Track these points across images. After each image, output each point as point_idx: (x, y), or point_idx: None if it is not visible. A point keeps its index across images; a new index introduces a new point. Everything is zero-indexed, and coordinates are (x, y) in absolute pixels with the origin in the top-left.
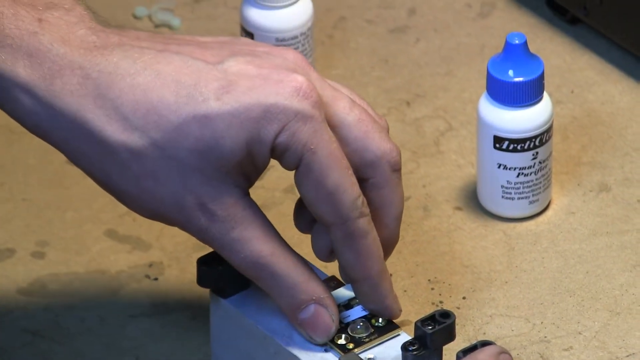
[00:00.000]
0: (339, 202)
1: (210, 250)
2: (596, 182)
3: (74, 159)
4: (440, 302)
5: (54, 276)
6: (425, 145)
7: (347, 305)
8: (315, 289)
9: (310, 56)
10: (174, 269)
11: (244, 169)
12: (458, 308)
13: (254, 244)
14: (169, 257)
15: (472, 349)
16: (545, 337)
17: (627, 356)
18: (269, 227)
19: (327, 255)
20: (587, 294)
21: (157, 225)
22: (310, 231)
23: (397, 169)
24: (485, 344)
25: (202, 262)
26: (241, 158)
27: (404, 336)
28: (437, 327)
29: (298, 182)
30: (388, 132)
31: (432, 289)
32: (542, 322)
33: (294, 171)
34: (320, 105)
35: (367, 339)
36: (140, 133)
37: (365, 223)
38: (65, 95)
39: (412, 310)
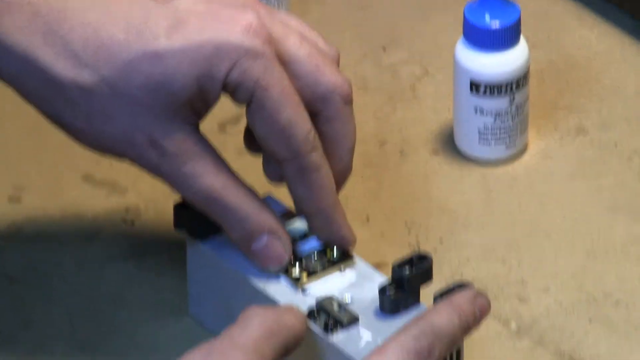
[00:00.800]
0: (291, 137)
1: None
2: (573, 126)
3: (25, 95)
4: (418, 244)
5: (30, 221)
6: (401, 90)
7: (302, 237)
8: (267, 220)
9: (286, 2)
10: (151, 213)
11: (194, 105)
12: (435, 250)
13: (206, 179)
14: (146, 202)
15: (449, 291)
16: (522, 278)
17: (604, 296)
18: (220, 161)
19: (278, 177)
20: (564, 236)
21: (134, 169)
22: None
23: (348, 101)
24: (462, 285)
25: (179, 205)
26: (191, 95)
27: (369, 282)
28: (414, 270)
29: (250, 118)
30: (339, 62)
31: (409, 231)
32: (519, 264)
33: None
34: (271, 42)
35: (321, 269)
36: (90, 70)
37: (317, 157)
38: (15, 32)
39: (389, 252)
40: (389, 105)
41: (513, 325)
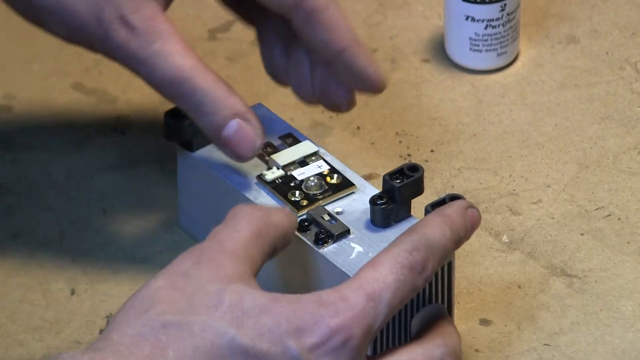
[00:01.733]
0: None
1: None
2: (564, 34)
3: None
4: (409, 155)
5: (20, 130)
6: None
7: (302, 162)
8: (237, 103)
9: None
10: (141, 122)
11: None
12: (426, 161)
13: (175, 58)
14: (136, 111)
15: (440, 202)
16: (514, 190)
17: (596, 209)
18: (188, 45)
19: (281, 70)
20: (555, 146)
21: (124, 78)
22: (281, 75)
23: None
24: (453, 197)
25: (170, 114)
26: None
27: (360, 194)
28: (405, 181)
29: None
30: None
31: (400, 141)
32: (510, 175)
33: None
34: None
35: (320, 196)
36: None
37: None
38: None
39: (379, 163)
40: (380, 12)
41: (504, 237)
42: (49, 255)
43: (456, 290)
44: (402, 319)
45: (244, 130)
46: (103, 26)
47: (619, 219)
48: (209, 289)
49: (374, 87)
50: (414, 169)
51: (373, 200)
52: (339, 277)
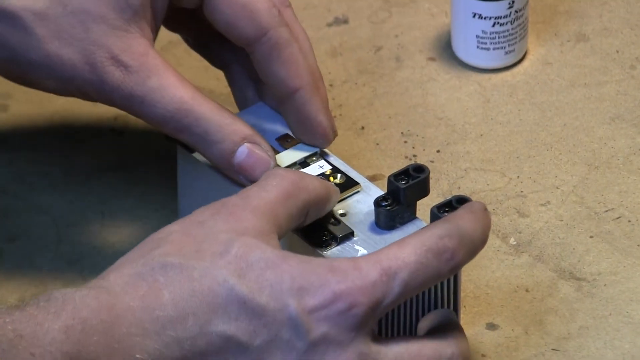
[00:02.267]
0: (254, 12)
1: None
2: (574, 32)
3: None
4: (414, 155)
5: (16, 129)
6: None
7: (304, 163)
8: (243, 128)
9: None
10: (139, 123)
11: (147, 15)
12: (432, 162)
13: (174, 90)
14: None
15: (446, 204)
16: (522, 191)
17: (606, 211)
18: (182, 77)
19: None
20: (564, 147)
21: None
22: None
23: (285, 5)
24: (460, 199)
25: None
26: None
27: (364, 195)
28: (410, 182)
29: (208, 11)
30: None
31: (406, 142)
32: (518, 177)
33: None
34: None
35: None
36: None
37: (287, 32)
38: None
39: (384, 164)
40: (385, 10)
41: (512, 240)
42: (46, 258)
43: (462, 294)
44: (407, 320)
45: (256, 153)
46: (97, 70)
47: (629, 221)
48: (220, 237)
49: (319, 136)
50: (420, 169)
51: (377, 202)
52: None
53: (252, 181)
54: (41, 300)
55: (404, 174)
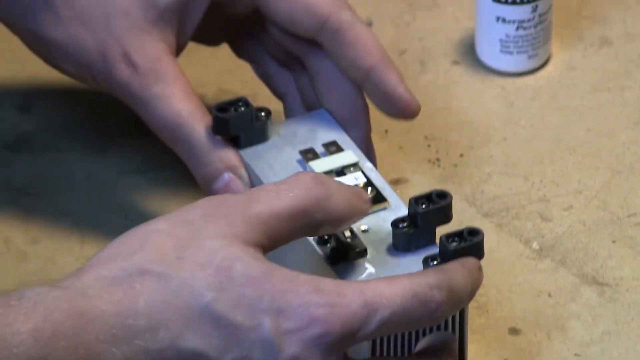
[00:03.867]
0: (311, 2)
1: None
2: (597, 36)
3: (6, 12)
4: (437, 159)
5: (40, 131)
6: None
7: (340, 172)
8: (230, 157)
9: None
10: None
11: (174, 17)
12: (455, 165)
13: (174, 102)
14: None
15: (457, 234)
16: (545, 195)
17: (629, 216)
18: (190, 89)
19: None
20: (588, 151)
21: None
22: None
23: (345, 6)
24: (472, 231)
25: (219, 109)
26: (170, 3)
27: (390, 213)
28: (430, 207)
29: (266, 9)
30: None
31: (429, 145)
32: (541, 181)
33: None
34: None
35: None
36: None
37: (348, 14)
38: None
39: (408, 167)
40: (409, 13)
41: (535, 244)
42: (69, 261)
43: (485, 298)
44: (406, 339)
45: (235, 184)
46: (107, 63)
47: None
48: (204, 244)
49: (404, 109)
50: (442, 196)
51: (395, 223)
52: None
53: None
54: (13, 298)
55: (426, 197)
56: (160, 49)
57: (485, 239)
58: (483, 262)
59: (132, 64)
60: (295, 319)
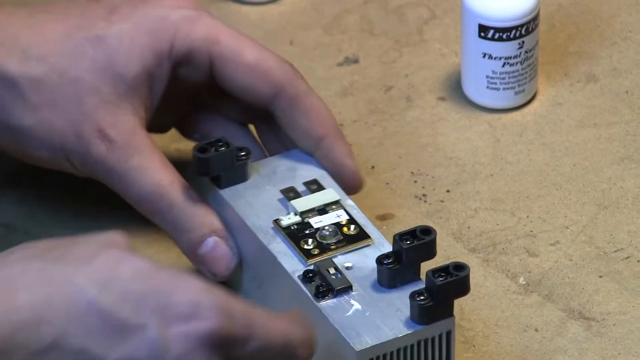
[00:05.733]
0: (267, 70)
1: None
2: (583, 73)
3: None
4: (424, 195)
5: (26, 167)
6: (408, 33)
7: (322, 210)
8: (213, 221)
9: None
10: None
11: (142, 89)
12: (442, 201)
13: (153, 173)
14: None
15: (443, 269)
16: (531, 231)
17: (615, 251)
18: (165, 159)
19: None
20: (574, 187)
21: None
22: None
23: (299, 75)
24: (457, 266)
25: (198, 150)
26: (137, 74)
27: (374, 250)
28: (414, 243)
29: (221, 79)
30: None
31: (415, 181)
32: (527, 216)
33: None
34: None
35: (334, 246)
36: (38, 61)
37: (304, 84)
38: None
39: (394, 203)
40: (395, 50)
41: (522, 279)
42: None
43: (472, 333)
44: None
45: (220, 248)
46: (83, 141)
47: (639, 261)
48: (90, 244)
49: (350, 180)
50: (427, 232)
51: (380, 260)
52: (331, 332)
53: (213, 274)
54: None
55: (410, 234)
56: (133, 122)
57: (472, 274)
58: (470, 296)
59: (107, 139)
60: (182, 316)
